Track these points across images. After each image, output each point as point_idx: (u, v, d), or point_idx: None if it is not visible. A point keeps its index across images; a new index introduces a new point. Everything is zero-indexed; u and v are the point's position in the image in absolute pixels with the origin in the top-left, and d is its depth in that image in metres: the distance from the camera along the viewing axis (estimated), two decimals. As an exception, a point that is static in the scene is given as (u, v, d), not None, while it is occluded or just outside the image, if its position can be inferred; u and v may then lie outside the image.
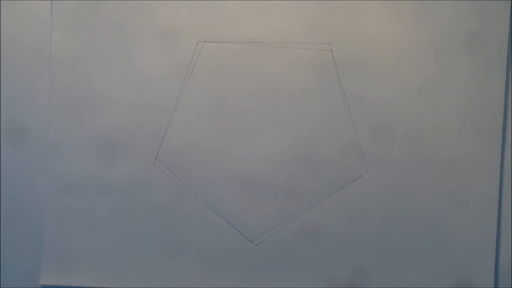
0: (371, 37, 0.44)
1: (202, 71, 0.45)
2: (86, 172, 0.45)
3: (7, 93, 0.45)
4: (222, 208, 0.45)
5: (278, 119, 0.44)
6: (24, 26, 0.45)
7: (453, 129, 0.44)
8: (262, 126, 0.45)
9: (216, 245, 0.45)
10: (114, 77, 0.45)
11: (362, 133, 0.44)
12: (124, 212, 0.45)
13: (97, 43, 0.45)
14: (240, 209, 0.44)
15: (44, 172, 0.45)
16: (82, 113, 0.45)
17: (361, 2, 0.44)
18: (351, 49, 0.44)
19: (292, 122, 0.44)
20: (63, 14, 0.45)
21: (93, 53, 0.45)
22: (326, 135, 0.44)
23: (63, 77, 0.45)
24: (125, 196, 0.45)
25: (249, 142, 0.44)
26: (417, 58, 0.44)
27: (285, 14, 0.44)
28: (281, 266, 0.45)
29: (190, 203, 0.45)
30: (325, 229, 0.44)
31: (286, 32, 0.44)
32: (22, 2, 0.45)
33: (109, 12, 0.45)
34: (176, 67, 0.45)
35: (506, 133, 0.44)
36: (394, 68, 0.44)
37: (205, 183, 0.45)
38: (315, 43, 0.44)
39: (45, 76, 0.45)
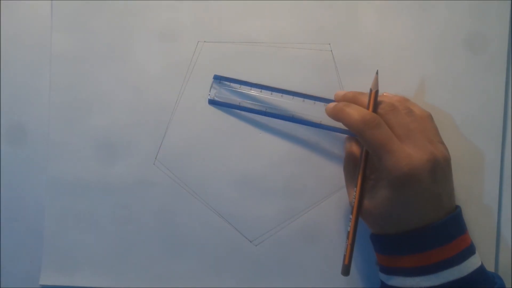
0: (371, 37, 0.44)
1: (202, 71, 0.45)
2: (86, 172, 0.45)
3: (7, 93, 0.45)
4: (222, 208, 0.45)
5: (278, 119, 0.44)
6: (24, 26, 0.45)
7: (452, 129, 0.44)
8: (262, 126, 0.44)
9: (216, 245, 0.45)
10: (114, 77, 0.45)
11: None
12: (124, 212, 0.45)
13: (97, 43, 0.45)
14: (240, 209, 0.44)
15: (44, 172, 0.45)
16: (82, 113, 0.45)
17: (361, 2, 0.44)
18: (351, 49, 0.44)
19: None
20: (63, 14, 0.45)
21: (93, 53, 0.45)
22: (326, 135, 0.44)
23: (63, 77, 0.45)
24: (125, 196, 0.45)
25: (249, 142, 0.44)
26: (417, 58, 0.44)
27: (285, 14, 0.44)
28: (281, 266, 0.45)
29: (190, 203, 0.45)
30: (325, 229, 0.44)
31: (286, 32, 0.44)
32: (22, 2, 0.45)
33: (109, 12, 0.45)
34: (176, 67, 0.45)
35: (506, 133, 0.44)
36: (394, 68, 0.44)
37: (205, 183, 0.45)
38: (315, 43, 0.44)
39: (45, 76, 0.45)
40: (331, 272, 0.44)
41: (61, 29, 0.45)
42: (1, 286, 0.46)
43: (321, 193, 0.44)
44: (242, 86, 0.44)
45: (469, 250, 0.37)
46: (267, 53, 0.44)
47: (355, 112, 0.37)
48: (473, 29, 0.44)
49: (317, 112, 0.43)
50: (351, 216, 0.39)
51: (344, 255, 0.39)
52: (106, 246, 0.45)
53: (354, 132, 0.38)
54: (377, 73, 0.39)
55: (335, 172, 0.44)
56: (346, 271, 0.39)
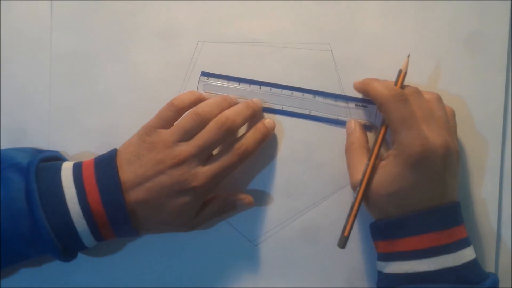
0: (371, 37, 0.44)
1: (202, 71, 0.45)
2: (86, 172, 0.45)
3: (7, 93, 0.45)
4: (222, 208, 0.44)
5: (278, 119, 0.44)
6: (24, 26, 0.45)
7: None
8: (262, 126, 0.44)
9: (216, 245, 0.45)
10: (114, 77, 0.45)
11: (362, 133, 0.44)
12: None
13: (97, 43, 0.45)
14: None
15: (44, 172, 0.45)
16: (82, 113, 0.45)
17: (361, 2, 0.44)
18: (351, 49, 0.44)
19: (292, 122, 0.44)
20: (63, 14, 0.45)
21: (93, 53, 0.45)
22: (326, 135, 0.44)
23: (63, 77, 0.45)
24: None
25: (249, 142, 0.44)
26: (417, 58, 0.44)
27: (285, 14, 0.44)
28: (281, 266, 0.45)
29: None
30: (325, 229, 0.44)
31: (286, 32, 0.44)
32: (22, 2, 0.45)
33: (109, 12, 0.45)
34: (176, 67, 0.45)
35: (506, 133, 0.44)
36: (394, 68, 0.44)
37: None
38: (315, 43, 0.44)
39: (45, 76, 0.45)
40: (331, 272, 0.44)
41: (61, 29, 0.45)
42: (1, 286, 0.46)
43: (321, 193, 0.44)
44: (231, 82, 0.44)
45: (465, 241, 0.38)
46: (267, 53, 0.44)
47: (383, 85, 0.39)
48: (473, 29, 0.44)
49: (306, 104, 0.43)
50: (359, 188, 0.38)
51: (344, 227, 0.39)
52: (106, 246, 0.45)
53: (379, 103, 0.39)
54: (408, 56, 0.41)
55: (335, 172, 0.44)
56: (343, 243, 0.39)
